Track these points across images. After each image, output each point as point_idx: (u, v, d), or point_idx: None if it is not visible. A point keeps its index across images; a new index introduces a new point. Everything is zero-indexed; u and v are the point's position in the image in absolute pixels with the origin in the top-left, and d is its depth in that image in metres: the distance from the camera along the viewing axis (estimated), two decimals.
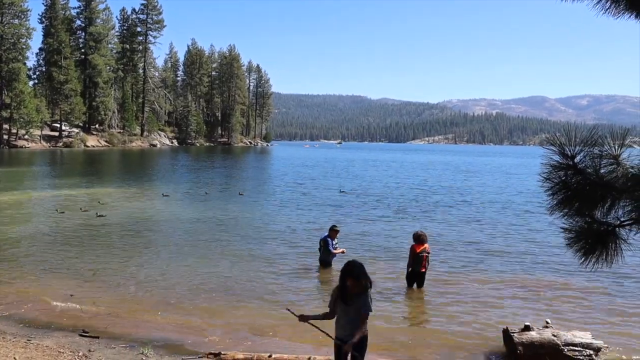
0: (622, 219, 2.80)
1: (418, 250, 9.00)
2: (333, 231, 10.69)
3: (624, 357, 6.36)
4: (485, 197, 24.38)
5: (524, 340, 6.08)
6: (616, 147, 2.76)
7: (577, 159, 2.80)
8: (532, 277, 10.03)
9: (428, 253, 9.12)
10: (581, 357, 6.00)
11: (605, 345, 6.24)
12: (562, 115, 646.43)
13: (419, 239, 9.13)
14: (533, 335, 6.12)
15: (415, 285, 9.10)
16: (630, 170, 2.74)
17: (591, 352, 6.04)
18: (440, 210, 19.59)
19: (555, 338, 6.08)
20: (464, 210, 19.55)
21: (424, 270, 9.05)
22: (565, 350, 6.00)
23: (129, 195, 22.14)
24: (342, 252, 10.53)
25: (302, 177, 35.48)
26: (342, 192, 25.69)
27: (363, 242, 13.06)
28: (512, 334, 6.17)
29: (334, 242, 10.56)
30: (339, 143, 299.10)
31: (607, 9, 2.74)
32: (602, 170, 2.77)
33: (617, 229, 2.82)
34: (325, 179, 34.36)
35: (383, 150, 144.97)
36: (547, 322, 6.54)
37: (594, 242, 2.84)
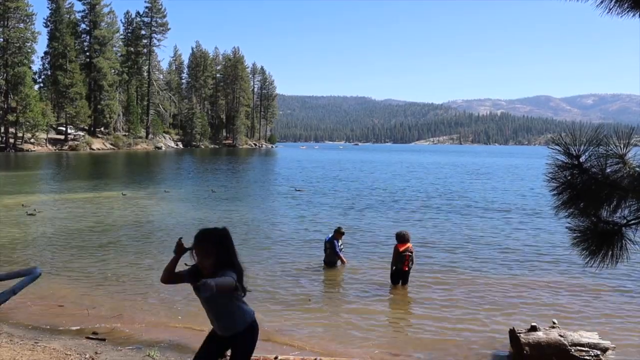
0: (628, 219, 2.79)
1: (401, 250, 9.14)
2: (338, 233, 10.71)
3: (631, 357, 6.33)
4: (489, 198, 24.31)
5: (530, 341, 6.06)
6: (622, 146, 2.75)
7: (582, 159, 2.80)
8: (538, 277, 9.99)
9: (411, 252, 9.24)
10: (588, 357, 5.97)
11: (613, 346, 6.21)
12: (567, 114, 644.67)
13: (402, 238, 9.27)
14: (540, 335, 6.10)
15: (400, 283, 9.21)
16: (637, 169, 2.72)
17: (598, 352, 6.01)
18: (444, 211, 19.55)
19: (562, 338, 6.06)
20: (468, 212, 19.50)
21: (406, 269, 9.18)
22: (572, 350, 5.98)
23: (131, 197, 22.19)
24: (343, 262, 10.56)
25: (303, 178, 35.57)
26: (298, 190, 26.28)
27: (363, 241, 13.05)
28: (518, 335, 6.15)
29: (339, 244, 10.59)
30: (355, 144, 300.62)
31: (610, 9, 2.74)
32: (607, 170, 2.76)
33: (623, 228, 2.81)
34: (327, 181, 34.39)
35: (390, 151, 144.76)
36: (554, 322, 6.51)
37: (600, 242, 2.84)
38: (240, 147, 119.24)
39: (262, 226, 15.69)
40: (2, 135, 73.24)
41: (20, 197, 21.59)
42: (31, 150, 71.51)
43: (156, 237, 13.81)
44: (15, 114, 70.66)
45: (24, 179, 32.01)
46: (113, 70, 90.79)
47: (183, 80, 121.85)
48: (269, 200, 22.52)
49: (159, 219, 16.66)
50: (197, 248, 3.52)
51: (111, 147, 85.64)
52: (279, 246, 12.68)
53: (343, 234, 10.82)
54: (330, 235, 10.74)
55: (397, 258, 9.15)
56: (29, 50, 75.56)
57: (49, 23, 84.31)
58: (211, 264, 3.48)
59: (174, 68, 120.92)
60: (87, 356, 5.92)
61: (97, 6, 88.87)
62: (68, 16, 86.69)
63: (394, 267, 9.24)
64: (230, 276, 3.37)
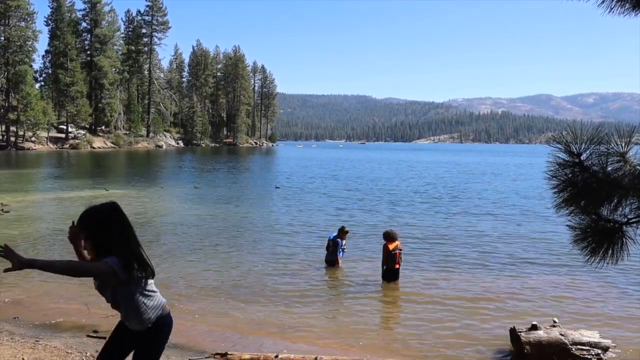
0: (628, 217, 2.78)
1: (391, 248, 9.21)
2: (343, 232, 10.71)
3: (632, 356, 6.32)
4: (490, 197, 24.32)
5: (531, 340, 6.06)
6: (623, 145, 2.75)
7: (583, 157, 2.79)
8: (538, 276, 9.99)
9: (400, 250, 9.34)
10: (589, 357, 5.97)
11: (613, 344, 6.21)
12: (568, 113, 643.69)
13: (391, 237, 9.36)
14: (540, 334, 6.10)
15: (393, 280, 9.28)
16: (637, 167, 2.72)
17: (599, 351, 6.01)
18: (444, 210, 19.55)
19: (562, 337, 6.06)
20: (468, 211, 19.50)
21: (398, 266, 9.28)
22: (573, 349, 5.98)
23: (130, 195, 22.21)
24: (337, 263, 10.54)
25: (301, 177, 35.59)
26: (277, 187, 26.67)
27: (362, 240, 13.05)
28: (519, 333, 6.14)
29: (342, 243, 10.60)
30: (362, 143, 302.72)
31: (612, 8, 2.73)
32: (608, 168, 2.76)
33: (623, 226, 2.80)
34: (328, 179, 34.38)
35: (391, 150, 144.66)
36: (555, 321, 6.51)
37: (600, 240, 2.83)
38: (241, 145, 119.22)
39: (259, 225, 15.68)
40: (3, 133, 73.28)
41: (15, 195, 21.62)
42: (32, 149, 71.54)
43: (149, 232, 13.82)
44: (16, 113, 70.69)
45: (21, 177, 32.05)
46: (114, 69, 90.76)
47: (184, 79, 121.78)
48: (263, 199, 22.52)
49: (150, 216, 16.69)
50: (79, 228, 3.12)
51: (112, 145, 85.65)
52: (277, 244, 12.68)
53: (347, 233, 10.84)
54: (334, 234, 10.74)
55: (389, 257, 9.22)
56: (30, 49, 75.56)
57: (49, 22, 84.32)
58: (90, 246, 3.11)
59: (175, 67, 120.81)
60: (87, 354, 5.93)
61: (98, 5, 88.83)
62: (69, 15, 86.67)
63: (384, 267, 9.31)
64: (105, 262, 2.98)
